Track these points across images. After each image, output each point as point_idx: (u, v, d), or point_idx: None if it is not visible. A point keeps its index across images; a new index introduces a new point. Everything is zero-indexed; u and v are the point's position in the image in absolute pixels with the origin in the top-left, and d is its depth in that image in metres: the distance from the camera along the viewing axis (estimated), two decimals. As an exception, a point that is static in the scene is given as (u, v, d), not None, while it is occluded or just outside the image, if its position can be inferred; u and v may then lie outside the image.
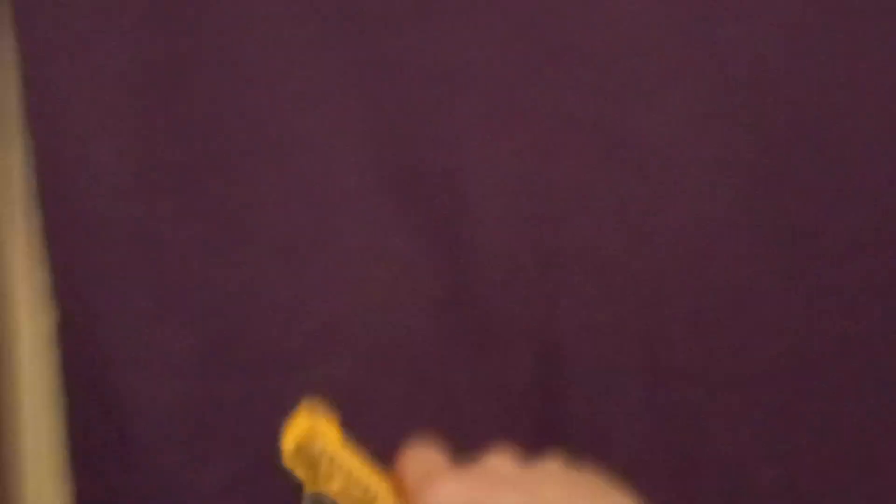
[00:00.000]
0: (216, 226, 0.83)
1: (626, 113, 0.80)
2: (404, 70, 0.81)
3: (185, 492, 0.83)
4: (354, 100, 0.81)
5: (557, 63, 0.80)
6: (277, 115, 0.82)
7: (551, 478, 0.51)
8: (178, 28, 0.81)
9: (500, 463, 0.52)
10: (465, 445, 0.79)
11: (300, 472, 0.49)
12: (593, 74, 0.80)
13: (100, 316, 0.83)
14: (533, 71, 0.80)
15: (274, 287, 0.83)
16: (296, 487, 0.48)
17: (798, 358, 0.81)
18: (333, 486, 0.49)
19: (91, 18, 0.82)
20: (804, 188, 0.80)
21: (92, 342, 0.83)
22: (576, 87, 0.80)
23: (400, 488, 0.50)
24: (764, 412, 0.81)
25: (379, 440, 0.79)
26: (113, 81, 0.82)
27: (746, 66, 0.79)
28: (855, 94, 0.79)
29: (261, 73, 0.82)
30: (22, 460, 0.90)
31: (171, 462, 0.83)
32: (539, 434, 0.83)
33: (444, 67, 0.81)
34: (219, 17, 0.81)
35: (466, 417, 0.84)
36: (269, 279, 0.83)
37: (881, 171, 0.79)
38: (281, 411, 0.80)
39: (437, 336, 0.83)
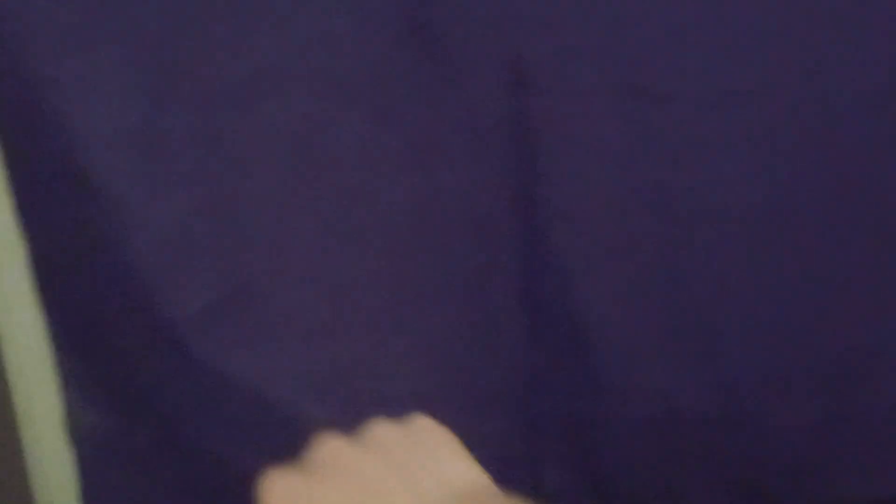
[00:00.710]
0: None
1: None
2: None
3: (138, 221, 0.80)
4: None
5: None
6: None
7: (377, 456, 0.51)
8: None
9: (331, 449, 0.52)
10: (432, 188, 0.76)
11: None
12: None
13: (21, 35, 0.76)
14: None
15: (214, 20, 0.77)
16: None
17: (786, 74, 0.77)
18: None
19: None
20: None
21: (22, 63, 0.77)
22: None
23: None
24: (748, 136, 0.78)
25: (337, 180, 0.77)
26: None
27: None
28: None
29: None
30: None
31: (125, 193, 0.79)
32: (510, 173, 0.80)
33: None
34: None
35: (433, 154, 0.81)
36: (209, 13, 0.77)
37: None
38: (238, 147, 0.77)
39: (399, 68, 0.78)
